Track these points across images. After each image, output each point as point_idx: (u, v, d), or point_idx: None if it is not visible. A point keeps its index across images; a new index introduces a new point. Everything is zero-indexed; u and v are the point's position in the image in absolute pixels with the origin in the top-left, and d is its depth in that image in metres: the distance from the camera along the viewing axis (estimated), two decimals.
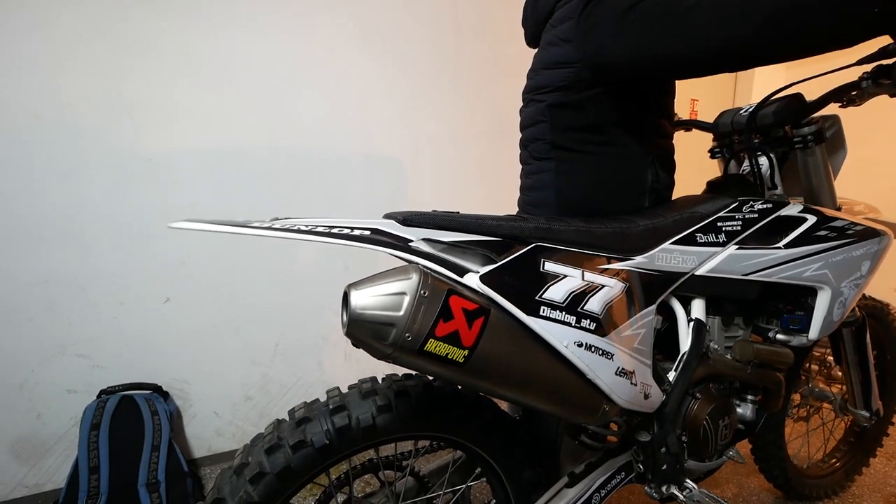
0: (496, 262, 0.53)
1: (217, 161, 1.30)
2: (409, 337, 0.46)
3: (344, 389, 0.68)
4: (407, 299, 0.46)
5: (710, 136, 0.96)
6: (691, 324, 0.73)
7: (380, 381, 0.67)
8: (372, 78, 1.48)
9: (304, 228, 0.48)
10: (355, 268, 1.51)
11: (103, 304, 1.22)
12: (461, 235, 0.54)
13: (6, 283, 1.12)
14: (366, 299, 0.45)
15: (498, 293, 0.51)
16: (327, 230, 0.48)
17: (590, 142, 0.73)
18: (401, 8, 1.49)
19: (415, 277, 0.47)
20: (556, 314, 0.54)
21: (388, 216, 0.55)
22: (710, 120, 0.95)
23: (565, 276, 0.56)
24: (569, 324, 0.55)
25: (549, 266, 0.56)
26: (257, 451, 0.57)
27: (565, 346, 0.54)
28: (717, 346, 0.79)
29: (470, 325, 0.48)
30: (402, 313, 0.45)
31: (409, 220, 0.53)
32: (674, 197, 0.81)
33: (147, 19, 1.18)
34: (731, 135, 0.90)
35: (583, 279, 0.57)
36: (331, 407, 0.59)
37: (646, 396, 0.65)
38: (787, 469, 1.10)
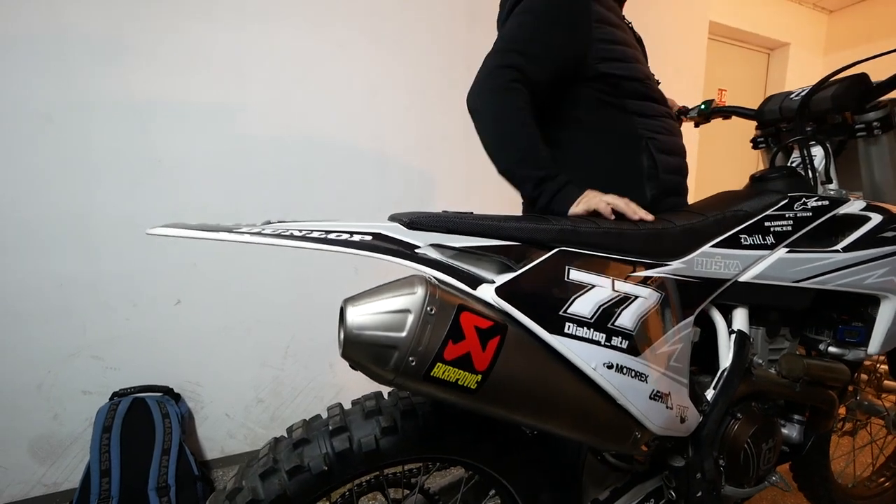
0: (514, 271, 0.47)
1: (227, 161, 1.28)
2: (413, 361, 0.40)
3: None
4: (411, 318, 0.40)
5: (753, 124, 0.87)
6: (733, 336, 0.65)
7: (385, 397, 0.62)
8: (383, 74, 1.42)
9: (296, 234, 0.43)
10: (366, 270, 1.47)
11: (116, 306, 1.22)
12: (475, 240, 0.48)
13: (23, 286, 1.12)
14: (364, 318, 0.40)
15: (516, 308, 0.45)
16: (323, 236, 0.43)
17: (568, 134, 0.71)
18: (412, 1, 1.42)
19: (420, 292, 0.41)
20: (583, 332, 0.47)
21: (393, 218, 0.50)
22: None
23: (593, 287, 0.50)
24: (598, 342, 0.48)
25: (575, 274, 0.49)
26: (251, 475, 0.53)
27: (593, 368, 0.47)
28: (760, 361, 0.70)
29: (484, 347, 0.42)
30: (405, 334, 0.40)
31: (415, 222, 0.47)
32: (693, 184, 0.74)
33: (156, 19, 1.16)
34: (778, 122, 0.81)
35: (613, 289, 0.51)
36: (331, 428, 0.55)
37: (682, 420, 0.58)
38: (831, 489, 1.01)
